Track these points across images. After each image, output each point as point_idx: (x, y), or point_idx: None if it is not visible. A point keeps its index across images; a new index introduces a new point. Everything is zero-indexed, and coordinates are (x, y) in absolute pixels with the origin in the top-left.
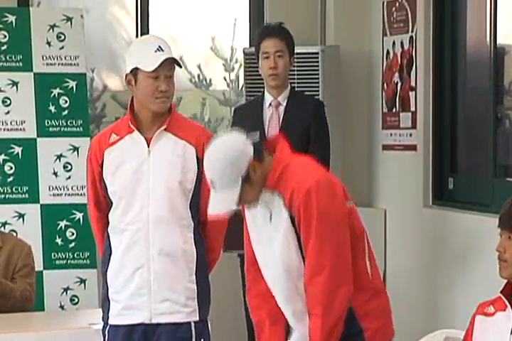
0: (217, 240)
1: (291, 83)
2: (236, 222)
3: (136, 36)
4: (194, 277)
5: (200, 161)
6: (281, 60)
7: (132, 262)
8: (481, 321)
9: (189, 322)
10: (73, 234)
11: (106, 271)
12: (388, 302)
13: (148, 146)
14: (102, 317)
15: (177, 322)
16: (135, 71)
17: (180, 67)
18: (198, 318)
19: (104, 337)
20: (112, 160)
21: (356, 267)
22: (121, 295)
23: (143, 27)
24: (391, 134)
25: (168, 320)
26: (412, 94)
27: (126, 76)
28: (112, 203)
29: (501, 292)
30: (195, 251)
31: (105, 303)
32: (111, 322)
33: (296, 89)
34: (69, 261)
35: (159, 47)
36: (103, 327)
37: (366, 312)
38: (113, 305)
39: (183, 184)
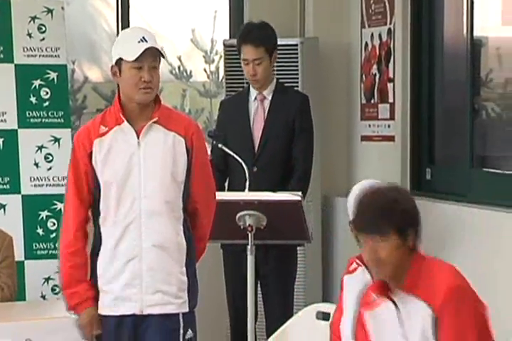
0: (206, 229)
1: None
2: (220, 213)
3: (117, 28)
4: (185, 269)
5: (189, 152)
6: (260, 67)
7: (124, 254)
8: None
9: (178, 314)
10: (54, 224)
11: (96, 262)
12: None
13: (138, 137)
14: None
15: (167, 313)
16: (119, 62)
17: (164, 57)
18: (187, 309)
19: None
20: (101, 151)
21: None
22: (113, 286)
23: (123, 19)
24: (369, 125)
25: (160, 312)
26: (390, 85)
27: (111, 67)
28: (99, 194)
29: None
30: (185, 243)
31: None
32: (101, 312)
33: (280, 81)
34: (50, 251)
35: (143, 37)
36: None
37: None
38: (103, 296)
39: (174, 176)
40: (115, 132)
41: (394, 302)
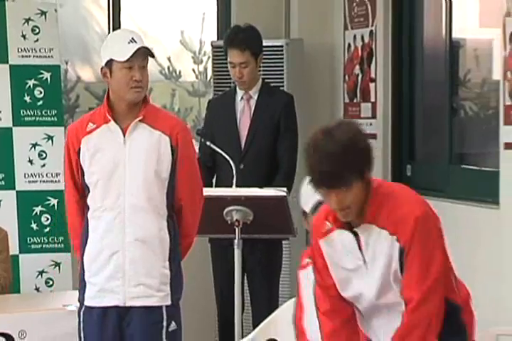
0: (192, 227)
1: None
2: (208, 208)
3: (109, 30)
4: (168, 263)
5: (174, 151)
6: (246, 69)
7: (109, 247)
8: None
9: (161, 306)
10: (48, 219)
11: (83, 255)
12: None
13: (124, 136)
14: (78, 299)
15: (150, 305)
16: (110, 63)
17: (153, 56)
18: (170, 302)
19: (79, 318)
20: (88, 148)
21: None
22: (97, 278)
23: (115, 21)
24: None
25: (142, 304)
26: (372, 85)
27: (101, 69)
28: (88, 189)
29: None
30: (168, 239)
31: (82, 286)
32: (86, 303)
33: (266, 82)
34: (44, 245)
35: (132, 38)
36: (79, 308)
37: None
38: (89, 288)
39: (158, 173)
40: (102, 130)
41: (353, 233)
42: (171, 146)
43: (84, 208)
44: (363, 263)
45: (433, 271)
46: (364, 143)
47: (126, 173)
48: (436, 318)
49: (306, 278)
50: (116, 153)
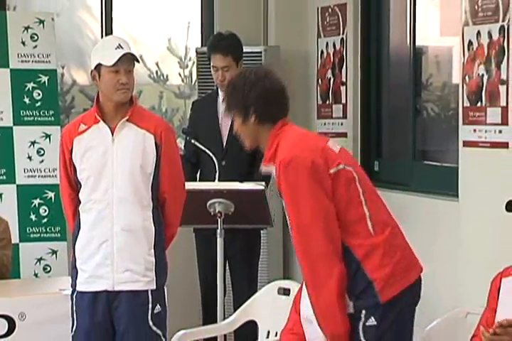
0: (175, 217)
1: None
2: (192, 201)
3: (101, 37)
4: (153, 251)
5: (158, 148)
6: (228, 73)
7: (98, 236)
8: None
9: (147, 290)
10: (45, 210)
11: (75, 244)
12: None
13: (113, 135)
14: (71, 284)
15: (136, 289)
16: (98, 67)
17: (138, 62)
18: (155, 287)
19: (72, 301)
20: (80, 147)
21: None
22: (88, 265)
23: (107, 28)
24: (325, 123)
25: (129, 288)
26: (343, 88)
27: (91, 72)
28: (80, 185)
29: None
30: (153, 228)
31: (73, 272)
32: (78, 288)
33: None
34: (42, 235)
35: (119, 45)
36: (72, 292)
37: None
38: (80, 274)
39: (143, 168)
40: (92, 130)
41: None
42: (155, 143)
43: (76, 201)
44: None
45: (301, 218)
46: (247, 88)
47: (114, 169)
48: (323, 259)
49: None
50: (105, 150)
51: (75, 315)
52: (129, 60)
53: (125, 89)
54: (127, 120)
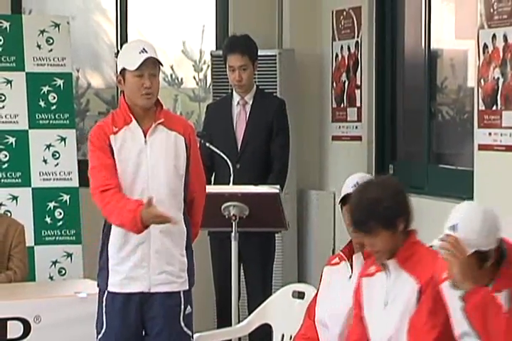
0: (199, 216)
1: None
2: (207, 204)
3: (116, 40)
4: (185, 251)
5: (188, 149)
6: (245, 73)
7: (135, 238)
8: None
9: (179, 291)
10: (61, 213)
11: (107, 244)
12: None
13: (145, 137)
14: (100, 285)
15: (170, 291)
16: (123, 71)
17: (162, 65)
18: (187, 287)
19: (101, 303)
20: (115, 146)
21: None
22: (123, 266)
23: (122, 32)
24: (339, 126)
25: (165, 290)
26: (357, 91)
27: (117, 77)
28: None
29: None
30: (185, 229)
31: (103, 273)
32: (110, 289)
33: (260, 88)
34: (57, 238)
35: (143, 49)
36: (101, 294)
37: None
38: (113, 275)
39: (177, 169)
40: (125, 131)
41: (386, 271)
42: (185, 145)
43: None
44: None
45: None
46: (394, 199)
47: (148, 170)
48: None
49: (331, 275)
50: (139, 152)
51: (104, 316)
52: (153, 63)
53: (149, 94)
54: (159, 123)
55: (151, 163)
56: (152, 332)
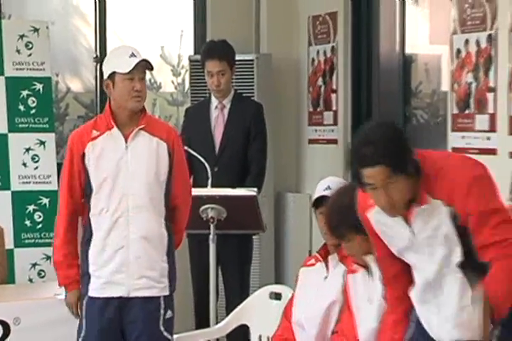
0: (182, 223)
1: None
2: None
3: (95, 45)
4: (166, 257)
5: (170, 155)
6: (223, 78)
7: (113, 243)
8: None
9: (159, 296)
10: (40, 216)
11: (87, 250)
12: None
13: (126, 142)
14: (81, 291)
15: (150, 296)
16: (112, 75)
17: (152, 69)
18: (168, 293)
19: (81, 307)
20: (94, 153)
21: None
22: (103, 271)
23: (101, 37)
24: (316, 130)
25: (144, 294)
26: (333, 95)
27: (105, 81)
28: (90, 191)
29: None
30: (166, 235)
31: (85, 278)
32: (90, 294)
33: (237, 92)
34: (36, 240)
35: (132, 53)
36: (81, 298)
37: None
38: (94, 280)
39: (158, 176)
40: (106, 136)
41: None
42: (168, 151)
43: (75, 212)
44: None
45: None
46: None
47: (129, 176)
48: None
49: (307, 276)
50: (119, 157)
51: (84, 320)
52: (142, 67)
53: (139, 97)
54: (141, 128)
55: (131, 169)
56: (131, 337)
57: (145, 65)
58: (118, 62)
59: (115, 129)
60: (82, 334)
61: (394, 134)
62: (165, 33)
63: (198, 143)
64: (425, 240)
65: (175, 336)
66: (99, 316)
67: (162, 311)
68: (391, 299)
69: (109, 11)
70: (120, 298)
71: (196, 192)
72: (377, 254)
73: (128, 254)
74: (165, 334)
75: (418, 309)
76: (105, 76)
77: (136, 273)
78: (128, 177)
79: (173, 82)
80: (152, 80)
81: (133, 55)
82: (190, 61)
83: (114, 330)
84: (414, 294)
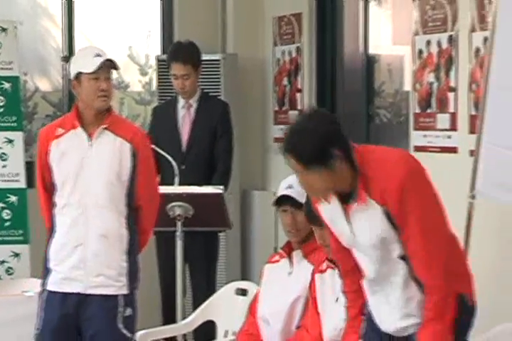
0: (147, 224)
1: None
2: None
3: (63, 44)
4: (125, 256)
5: (135, 156)
6: (188, 81)
7: (73, 240)
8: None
9: (117, 295)
10: (8, 214)
11: (50, 246)
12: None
13: (90, 141)
14: (41, 284)
15: (108, 294)
16: (78, 75)
17: (117, 69)
18: (126, 292)
19: (41, 300)
20: (57, 150)
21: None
22: (62, 267)
23: (69, 37)
24: (281, 129)
25: (101, 292)
26: (298, 95)
27: (71, 81)
28: (55, 188)
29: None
30: (127, 234)
31: (45, 272)
32: (49, 288)
33: (204, 91)
34: (5, 238)
35: (98, 53)
36: (41, 292)
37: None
38: (53, 275)
39: (119, 175)
40: (70, 135)
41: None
42: (132, 152)
43: (50, 203)
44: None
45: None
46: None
47: (90, 174)
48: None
49: (272, 272)
50: (82, 156)
51: (42, 313)
52: (108, 67)
53: (105, 96)
54: (105, 128)
55: (93, 167)
56: (87, 333)
57: (110, 65)
58: (83, 63)
59: (79, 128)
60: (39, 328)
61: (321, 127)
62: (132, 33)
63: (165, 142)
64: (364, 242)
65: (142, 332)
66: (58, 311)
67: (121, 309)
68: (350, 292)
69: (77, 11)
70: (78, 294)
71: (163, 190)
72: (333, 246)
73: (86, 252)
74: (124, 331)
75: (369, 299)
76: (71, 76)
77: (94, 271)
78: (90, 175)
79: (140, 82)
80: (120, 80)
81: (98, 55)
82: (158, 61)
83: (70, 326)
84: (364, 285)
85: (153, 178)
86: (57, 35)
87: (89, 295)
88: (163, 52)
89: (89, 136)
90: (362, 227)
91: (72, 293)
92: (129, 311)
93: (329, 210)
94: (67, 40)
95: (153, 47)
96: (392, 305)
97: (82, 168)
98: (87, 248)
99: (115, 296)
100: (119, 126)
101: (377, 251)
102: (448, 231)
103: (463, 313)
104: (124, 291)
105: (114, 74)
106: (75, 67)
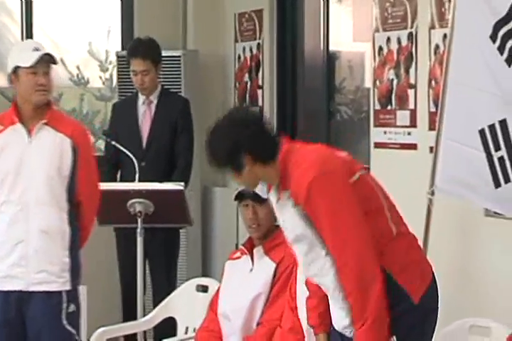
0: (87, 220)
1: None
2: (112, 201)
3: (22, 40)
4: (68, 252)
5: (75, 151)
6: (147, 77)
7: (14, 237)
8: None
9: (61, 291)
10: None
11: None
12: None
13: (30, 137)
14: None
15: (51, 290)
16: (16, 70)
17: (55, 63)
18: (69, 287)
19: None
20: None
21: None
22: (2, 265)
23: (28, 32)
24: None
25: (44, 289)
26: (259, 91)
27: (9, 75)
28: None
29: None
30: (69, 230)
31: None
32: None
33: (164, 87)
34: None
35: (36, 47)
36: None
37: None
38: None
39: (60, 171)
40: (9, 131)
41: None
42: (72, 147)
43: None
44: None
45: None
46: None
47: (31, 171)
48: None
49: (233, 269)
50: (22, 151)
51: None
52: (46, 62)
53: (44, 91)
54: (45, 123)
55: (34, 163)
56: (33, 331)
57: (49, 60)
58: (21, 57)
59: (18, 124)
60: None
61: (230, 133)
62: (92, 29)
63: (126, 138)
64: (288, 235)
65: (101, 329)
66: (0, 310)
67: (65, 305)
68: (311, 284)
69: (36, 7)
70: (20, 291)
71: (123, 186)
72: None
73: (27, 248)
74: (68, 327)
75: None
76: (9, 70)
77: (36, 268)
78: (30, 171)
79: (100, 78)
80: (80, 76)
81: (36, 49)
82: (118, 57)
83: (16, 325)
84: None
85: (94, 174)
86: (16, 30)
87: (32, 292)
88: (123, 48)
89: (29, 131)
90: (285, 221)
91: (14, 291)
92: (72, 307)
93: (271, 199)
94: (26, 36)
95: (113, 43)
96: (338, 305)
97: (22, 164)
98: (28, 245)
99: (59, 292)
100: (58, 121)
101: (303, 245)
102: (365, 231)
103: (405, 312)
104: (67, 287)
105: (74, 69)
106: (12, 61)
